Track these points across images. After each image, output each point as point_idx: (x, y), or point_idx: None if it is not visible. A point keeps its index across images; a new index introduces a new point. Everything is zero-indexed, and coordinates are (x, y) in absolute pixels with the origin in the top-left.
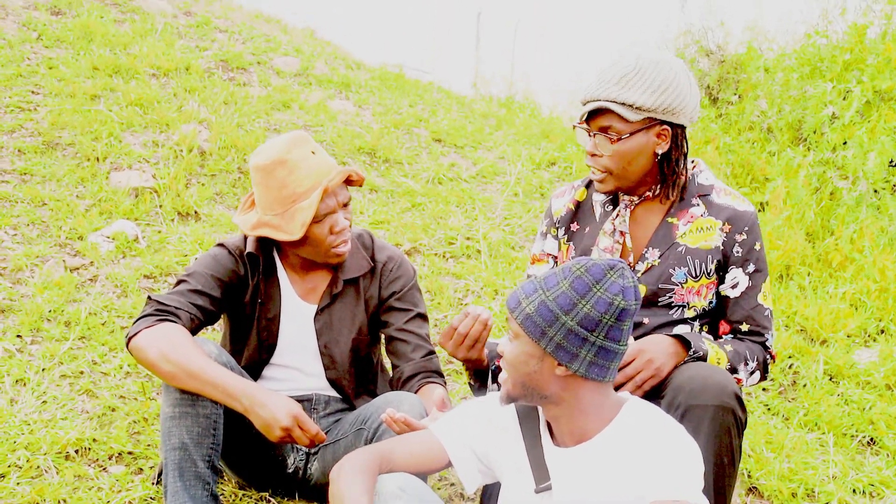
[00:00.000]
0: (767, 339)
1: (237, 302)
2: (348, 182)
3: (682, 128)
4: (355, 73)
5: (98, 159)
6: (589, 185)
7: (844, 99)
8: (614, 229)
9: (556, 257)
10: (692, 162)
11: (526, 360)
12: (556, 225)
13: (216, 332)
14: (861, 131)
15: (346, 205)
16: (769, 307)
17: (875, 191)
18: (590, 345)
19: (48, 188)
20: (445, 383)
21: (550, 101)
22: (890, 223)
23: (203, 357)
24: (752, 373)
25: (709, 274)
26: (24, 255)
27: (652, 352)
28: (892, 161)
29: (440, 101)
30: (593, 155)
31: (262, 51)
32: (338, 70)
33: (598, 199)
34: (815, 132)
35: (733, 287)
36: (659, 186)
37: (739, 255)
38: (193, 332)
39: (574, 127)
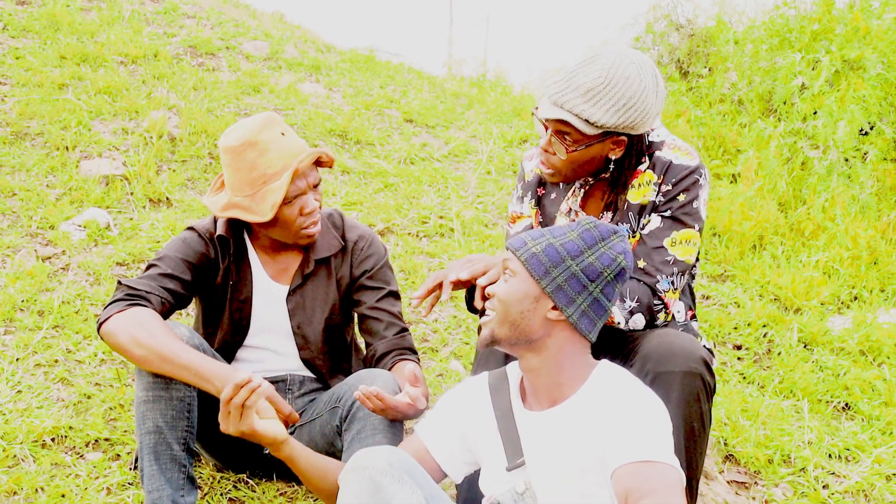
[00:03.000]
0: (659, 282)
1: (208, 285)
2: (318, 163)
3: (640, 135)
4: (325, 56)
5: (67, 148)
6: None
7: (813, 69)
8: (569, 209)
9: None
10: None
11: (521, 299)
12: (527, 188)
13: (189, 318)
14: (830, 101)
15: (316, 186)
16: (675, 256)
17: (846, 159)
18: (587, 294)
19: (18, 178)
20: (419, 360)
21: (523, 79)
22: (861, 191)
23: (175, 340)
24: (631, 313)
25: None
26: None
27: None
28: (861, 129)
29: (411, 82)
30: (546, 150)
31: (230, 36)
32: (308, 53)
33: None
34: (785, 103)
35: (643, 228)
36: (608, 183)
37: (661, 202)
38: (165, 315)
39: (532, 113)
